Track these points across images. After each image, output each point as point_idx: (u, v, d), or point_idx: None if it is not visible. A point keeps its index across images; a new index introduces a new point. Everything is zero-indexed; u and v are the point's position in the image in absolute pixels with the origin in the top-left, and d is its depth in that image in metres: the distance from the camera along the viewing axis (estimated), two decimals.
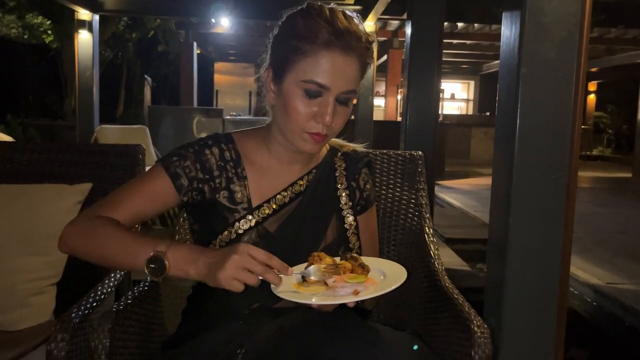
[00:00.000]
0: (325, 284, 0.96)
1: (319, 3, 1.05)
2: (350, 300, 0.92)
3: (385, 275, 0.98)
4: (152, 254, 0.96)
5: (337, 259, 1.00)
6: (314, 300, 0.92)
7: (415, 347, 0.97)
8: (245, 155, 1.15)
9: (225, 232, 1.10)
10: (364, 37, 1.03)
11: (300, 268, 0.99)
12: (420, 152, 1.52)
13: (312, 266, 0.98)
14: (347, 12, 1.05)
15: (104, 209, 1.07)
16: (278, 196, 1.13)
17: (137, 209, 1.08)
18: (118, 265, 1.04)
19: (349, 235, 1.18)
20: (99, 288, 1.27)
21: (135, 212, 1.08)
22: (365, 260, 1.01)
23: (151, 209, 1.10)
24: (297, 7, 1.06)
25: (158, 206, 1.10)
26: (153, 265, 0.95)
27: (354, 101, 1.10)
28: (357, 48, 1.02)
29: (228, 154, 1.13)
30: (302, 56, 1.01)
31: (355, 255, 1.00)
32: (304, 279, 0.97)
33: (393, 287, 0.93)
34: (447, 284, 1.21)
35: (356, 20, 1.05)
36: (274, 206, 1.13)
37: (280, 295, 0.93)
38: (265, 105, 1.15)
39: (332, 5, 1.05)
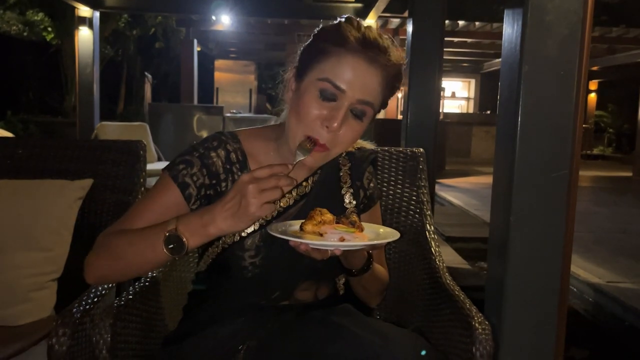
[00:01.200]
0: (320, 235, 0.95)
1: (358, 19, 1.05)
2: (336, 246, 0.90)
3: (378, 235, 0.99)
4: (166, 234, 0.94)
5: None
6: (304, 240, 0.91)
7: (423, 353, 0.97)
8: (252, 156, 1.13)
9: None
10: (393, 57, 1.02)
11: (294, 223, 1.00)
12: (421, 149, 1.52)
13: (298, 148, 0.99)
14: (385, 35, 1.04)
15: (117, 228, 1.05)
16: (283, 199, 1.11)
17: (151, 223, 1.04)
18: (144, 264, 1.00)
19: None
20: None
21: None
22: (366, 225, 1.01)
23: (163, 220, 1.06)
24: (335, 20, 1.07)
25: (170, 217, 1.06)
26: (172, 245, 0.93)
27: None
28: (383, 63, 1.01)
29: (234, 156, 1.11)
30: (325, 56, 1.00)
31: (352, 216, 1.01)
32: (302, 228, 0.97)
33: (377, 242, 0.93)
34: (448, 281, 1.21)
35: (390, 42, 1.04)
36: (279, 208, 1.11)
37: (274, 233, 0.93)
38: (276, 106, 1.14)
39: (371, 25, 1.05)
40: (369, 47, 0.99)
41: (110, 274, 1.04)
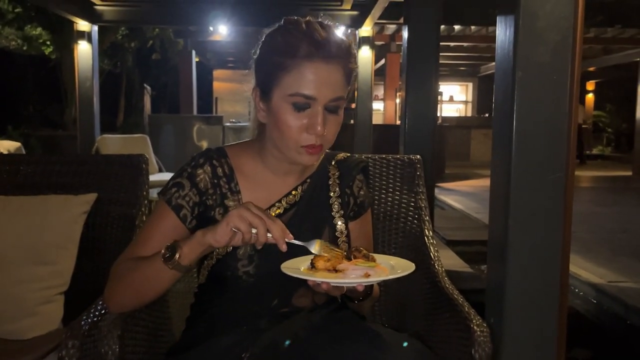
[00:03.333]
0: (335, 270, 0.97)
1: (295, 17, 1.07)
2: (361, 282, 0.94)
3: (393, 267, 1.01)
4: (165, 247, 0.99)
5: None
6: (327, 280, 0.93)
7: (405, 344, 0.99)
8: (239, 169, 1.16)
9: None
10: (343, 44, 1.05)
11: (301, 261, 1.02)
12: (418, 156, 1.55)
13: (316, 240, 1.01)
14: (324, 22, 1.07)
15: (124, 258, 1.10)
16: (272, 208, 1.15)
17: (155, 249, 1.06)
18: (153, 283, 1.04)
19: (339, 243, 1.18)
20: None
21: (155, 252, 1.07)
22: (376, 256, 1.03)
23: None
24: (274, 25, 1.09)
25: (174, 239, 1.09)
26: (168, 255, 0.98)
27: (352, 105, 1.12)
28: (339, 55, 1.04)
29: (220, 170, 1.14)
30: (285, 71, 1.03)
31: (360, 247, 1.03)
32: (313, 265, 0.99)
33: (404, 273, 0.95)
34: (447, 285, 1.23)
35: (334, 29, 1.07)
36: None
37: (293, 274, 0.95)
38: (253, 122, 1.16)
39: (309, 17, 1.07)
40: (321, 47, 1.02)
41: (126, 302, 1.08)
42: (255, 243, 0.96)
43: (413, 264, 1.00)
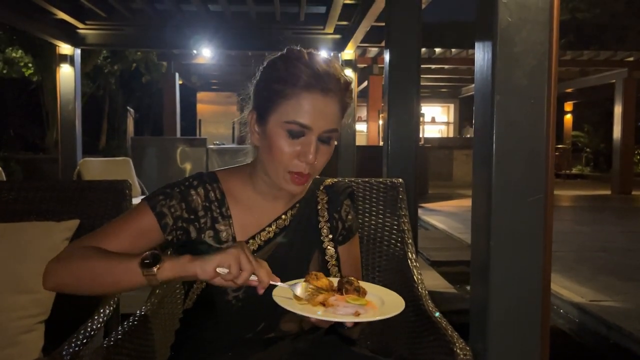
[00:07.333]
0: (323, 304, 0.97)
1: (298, 48, 1.11)
2: (351, 319, 0.94)
3: (383, 302, 1.01)
4: (146, 253, 0.97)
5: (334, 280, 1.03)
6: (318, 314, 0.94)
7: None
8: (230, 194, 1.18)
9: None
10: (342, 79, 1.09)
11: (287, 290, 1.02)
12: (400, 180, 1.57)
13: (300, 283, 1.01)
14: (325, 56, 1.11)
15: (90, 243, 1.07)
16: (262, 232, 1.16)
17: (122, 246, 1.07)
18: (110, 279, 1.00)
19: (329, 267, 1.20)
20: (89, 324, 1.27)
21: (120, 249, 1.07)
22: (363, 285, 1.03)
23: (136, 246, 1.09)
24: (277, 53, 1.12)
25: (143, 244, 1.10)
26: (147, 261, 0.96)
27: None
28: (336, 89, 1.07)
29: (213, 194, 1.16)
30: (284, 99, 1.05)
31: (352, 279, 1.03)
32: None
33: (394, 314, 0.95)
34: (430, 308, 1.24)
35: (334, 63, 1.10)
36: (259, 242, 1.15)
37: (282, 304, 0.95)
38: (248, 144, 1.18)
39: (311, 50, 1.10)
40: (320, 79, 1.05)
41: (70, 284, 1.05)
42: (235, 281, 0.96)
43: (403, 301, 1.00)
